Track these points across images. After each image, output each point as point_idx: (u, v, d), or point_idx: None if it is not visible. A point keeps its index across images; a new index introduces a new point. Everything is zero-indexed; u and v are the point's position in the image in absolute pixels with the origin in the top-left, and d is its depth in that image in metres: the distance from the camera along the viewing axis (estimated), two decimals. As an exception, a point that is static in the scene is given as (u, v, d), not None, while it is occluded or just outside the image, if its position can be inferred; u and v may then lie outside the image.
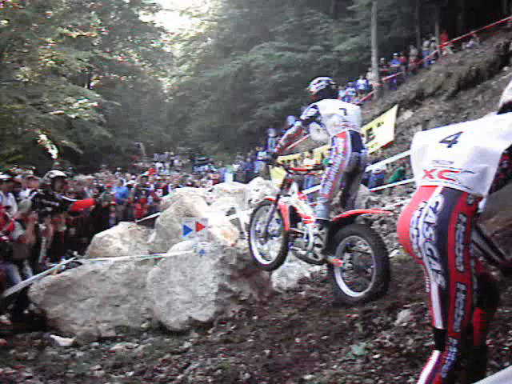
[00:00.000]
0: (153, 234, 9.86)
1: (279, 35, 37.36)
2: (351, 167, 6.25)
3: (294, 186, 6.99)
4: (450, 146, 3.00)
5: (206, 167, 38.29)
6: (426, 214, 2.83)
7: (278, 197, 6.95)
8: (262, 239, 7.16)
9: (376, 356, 4.24)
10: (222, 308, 7.07)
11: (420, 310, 4.75)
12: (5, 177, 11.11)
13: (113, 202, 16.07)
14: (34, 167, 20.97)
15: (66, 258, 10.25)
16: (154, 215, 12.88)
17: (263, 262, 7.12)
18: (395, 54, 28.86)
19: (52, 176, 10.47)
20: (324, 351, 4.84)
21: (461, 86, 21.89)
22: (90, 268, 8.47)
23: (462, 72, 22.21)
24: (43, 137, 26.10)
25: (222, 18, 48.43)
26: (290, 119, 34.93)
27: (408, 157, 16.26)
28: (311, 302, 6.79)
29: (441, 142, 3.07)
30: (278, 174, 25.27)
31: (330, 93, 6.86)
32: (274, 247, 7.06)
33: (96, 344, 7.28)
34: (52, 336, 7.55)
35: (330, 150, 6.33)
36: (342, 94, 31.40)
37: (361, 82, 30.80)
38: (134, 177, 21.86)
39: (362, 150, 6.24)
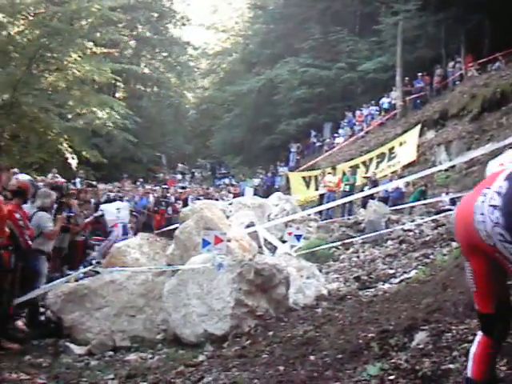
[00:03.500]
0: (171, 245, 9.85)
1: (304, 52, 37.46)
2: None
3: None
4: None
5: (227, 180, 38.30)
6: (492, 198, 2.81)
7: None
8: None
9: (391, 377, 4.19)
10: (237, 322, 7.05)
11: (437, 332, 4.70)
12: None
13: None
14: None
15: (84, 267, 10.28)
16: (173, 226, 12.90)
17: None
18: (420, 74, 28.76)
19: None
20: (339, 370, 4.80)
21: (485, 108, 21.72)
22: (107, 277, 8.48)
23: (486, 94, 22.05)
24: (65, 145, 26.38)
25: (247, 34, 48.74)
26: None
27: (429, 176, 16.26)
28: (327, 320, 6.75)
29: None
30: (299, 190, 25.36)
31: None
32: None
33: (111, 353, 7.27)
34: (67, 343, 7.56)
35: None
36: (365, 112, 31.43)
37: (385, 100, 30.77)
38: (157, 187, 21.91)
39: None
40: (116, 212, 13.05)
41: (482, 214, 2.82)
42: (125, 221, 12.90)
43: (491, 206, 2.79)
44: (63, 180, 16.97)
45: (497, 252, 2.82)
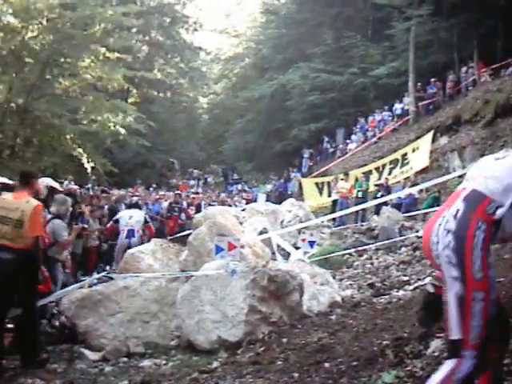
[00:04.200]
0: (185, 251, 9.87)
1: (316, 57, 37.50)
2: None
3: None
4: (497, 159, 3.07)
5: (239, 186, 38.32)
6: (447, 222, 2.87)
7: None
8: None
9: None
10: (251, 329, 7.05)
11: (452, 339, 4.68)
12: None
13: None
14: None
15: (98, 273, 10.32)
16: (187, 232, 12.93)
17: None
18: (432, 80, 28.67)
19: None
20: (353, 377, 4.79)
21: (498, 114, 21.60)
22: (121, 283, 8.51)
23: (499, 99, 21.92)
24: (80, 150, 26.52)
25: (259, 39, 48.80)
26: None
27: (442, 182, 16.19)
28: (342, 327, 6.74)
29: (495, 158, 3.14)
30: (311, 196, 25.33)
31: None
32: None
33: (125, 359, 7.27)
34: (82, 349, 7.58)
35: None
36: (377, 117, 31.38)
37: (397, 106, 30.69)
38: (170, 193, 21.96)
39: None
40: (128, 218, 13.13)
41: (437, 236, 2.89)
42: (133, 227, 12.95)
43: (445, 229, 2.86)
44: (76, 187, 17.04)
45: (441, 272, 2.90)
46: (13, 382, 6.13)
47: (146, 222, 13.43)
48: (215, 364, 6.41)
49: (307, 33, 39.78)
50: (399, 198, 18.08)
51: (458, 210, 2.88)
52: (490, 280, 2.76)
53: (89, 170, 26.96)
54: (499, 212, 2.84)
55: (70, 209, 9.78)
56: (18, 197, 6.80)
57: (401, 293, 8.75)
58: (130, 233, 12.84)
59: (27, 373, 6.39)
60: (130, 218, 13.14)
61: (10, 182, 8.62)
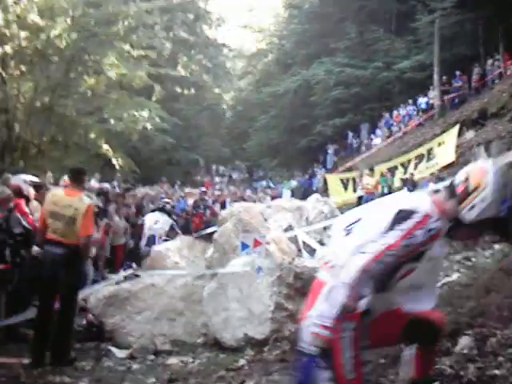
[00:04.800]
0: (210, 248, 9.87)
1: (340, 51, 37.22)
2: None
3: None
4: (347, 235, 3.01)
5: (264, 183, 38.27)
6: (313, 324, 2.83)
7: None
8: None
9: (435, 383, 4.13)
10: (278, 326, 7.04)
11: (482, 337, 4.62)
12: None
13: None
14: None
15: (125, 270, 10.39)
16: (212, 229, 12.89)
17: None
18: (458, 73, 28.36)
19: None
20: (381, 375, 4.75)
21: (525, 107, 21.39)
22: (148, 281, 8.55)
23: (527, 92, 21.71)
24: (106, 146, 26.72)
25: (282, 34, 48.65)
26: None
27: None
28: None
29: (344, 228, 3.08)
30: (336, 192, 25.22)
31: None
32: None
33: (152, 357, 7.31)
34: (109, 347, 7.64)
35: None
36: (402, 112, 31.13)
37: (422, 100, 30.40)
38: (195, 190, 21.99)
39: None
40: (153, 223, 13.11)
41: (305, 341, 2.89)
42: (155, 233, 12.90)
43: (312, 333, 2.85)
44: (108, 185, 17.13)
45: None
46: (41, 380, 6.18)
47: (172, 228, 13.36)
48: (242, 362, 6.42)
49: (330, 27, 39.52)
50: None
51: (320, 316, 2.84)
52: (361, 377, 2.78)
53: (117, 167, 27.19)
54: (362, 303, 2.82)
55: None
56: (70, 193, 7.01)
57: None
58: (151, 240, 12.75)
59: (55, 371, 6.45)
60: (156, 223, 13.08)
61: (40, 180, 8.75)
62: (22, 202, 7.95)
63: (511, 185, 3.06)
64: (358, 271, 2.73)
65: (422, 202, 3.02)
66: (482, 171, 3.03)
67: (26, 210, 7.93)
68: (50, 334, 6.71)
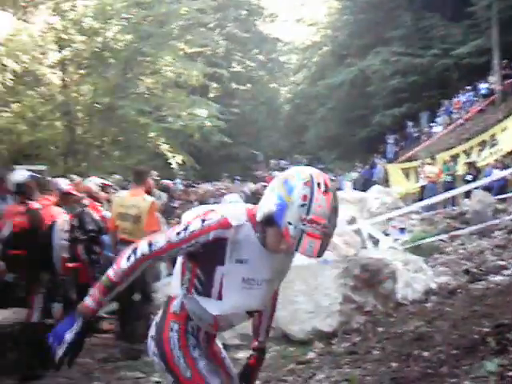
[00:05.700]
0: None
1: (395, 40, 36.74)
2: None
3: None
4: None
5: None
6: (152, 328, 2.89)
7: None
8: None
9: (511, 373, 4.07)
10: (346, 319, 7.01)
11: None
12: None
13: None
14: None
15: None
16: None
17: None
18: (518, 56, 27.71)
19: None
20: (454, 366, 4.70)
21: None
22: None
23: None
24: (165, 146, 27.09)
25: (336, 25, 48.31)
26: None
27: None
28: (438, 315, 6.61)
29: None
30: (398, 182, 24.91)
31: None
32: None
33: (222, 351, 7.37)
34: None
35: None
36: (462, 99, 30.55)
37: (482, 86, 29.75)
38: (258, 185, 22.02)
39: None
40: None
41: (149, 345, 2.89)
42: None
43: (150, 337, 2.87)
44: (170, 182, 17.35)
45: None
46: (114, 375, 6.33)
47: None
48: (311, 354, 6.42)
49: (384, 16, 39.00)
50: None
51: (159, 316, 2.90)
52: (200, 373, 2.73)
53: (174, 166, 27.52)
54: (175, 304, 2.84)
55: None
56: (134, 194, 7.36)
57: (498, 278, 8.46)
58: None
59: (127, 366, 6.59)
60: None
61: (107, 182, 9.02)
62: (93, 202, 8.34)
63: None
64: None
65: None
66: None
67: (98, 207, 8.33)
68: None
